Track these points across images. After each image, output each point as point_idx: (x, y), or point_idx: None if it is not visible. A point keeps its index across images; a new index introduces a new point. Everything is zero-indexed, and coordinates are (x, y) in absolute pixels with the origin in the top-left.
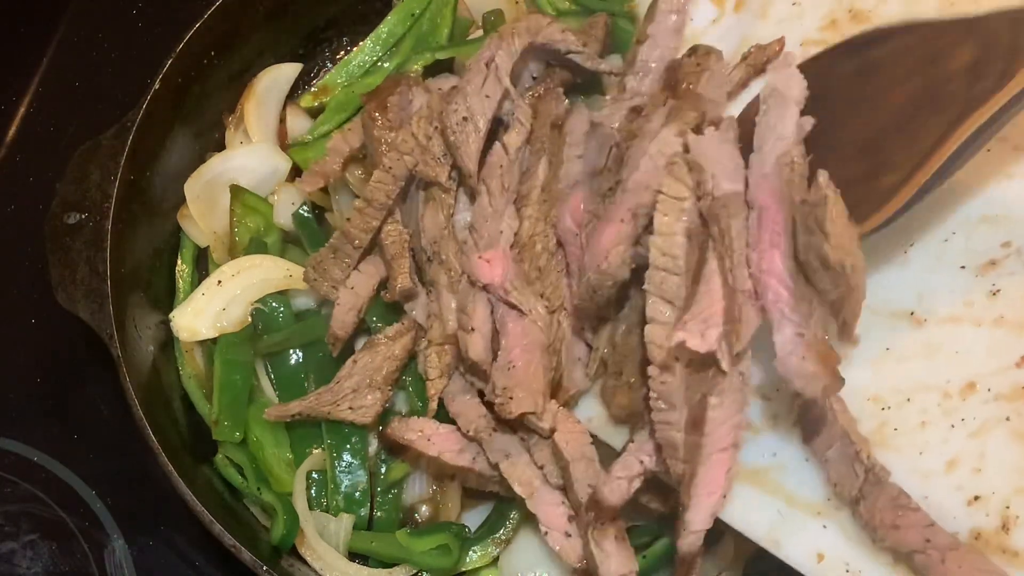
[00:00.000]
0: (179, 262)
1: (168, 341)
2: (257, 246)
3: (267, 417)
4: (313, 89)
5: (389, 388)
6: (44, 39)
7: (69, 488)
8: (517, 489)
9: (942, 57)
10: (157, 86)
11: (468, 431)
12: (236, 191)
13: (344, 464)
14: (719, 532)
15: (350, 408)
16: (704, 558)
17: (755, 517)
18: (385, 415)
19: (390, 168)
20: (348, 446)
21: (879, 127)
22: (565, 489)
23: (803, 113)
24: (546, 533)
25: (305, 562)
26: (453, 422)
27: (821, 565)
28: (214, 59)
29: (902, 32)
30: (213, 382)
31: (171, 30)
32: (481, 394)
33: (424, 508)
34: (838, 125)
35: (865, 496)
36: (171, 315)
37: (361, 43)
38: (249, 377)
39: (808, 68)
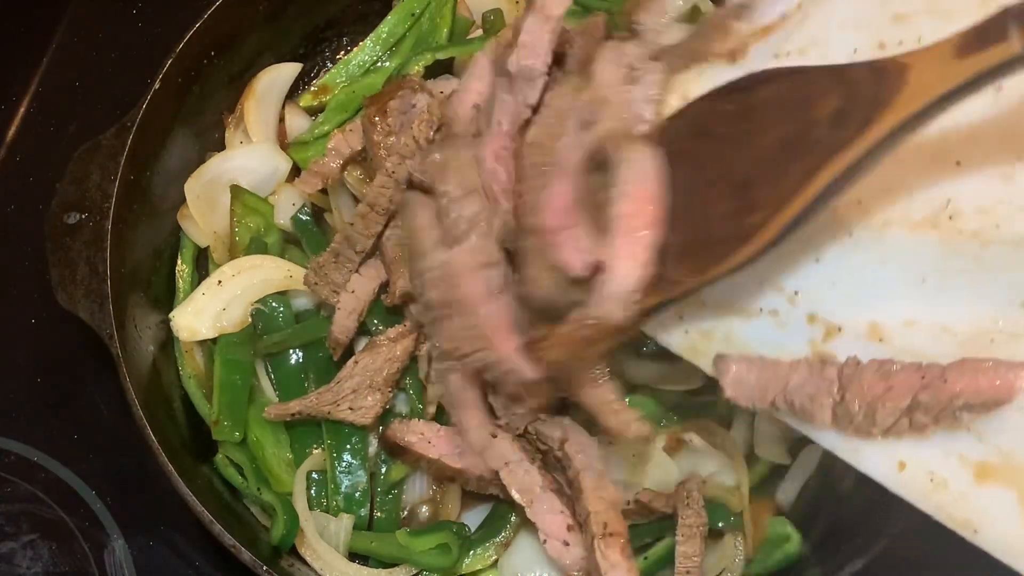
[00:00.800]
0: (179, 262)
1: (168, 341)
2: (258, 246)
3: (267, 416)
4: (313, 88)
5: (389, 390)
6: (44, 39)
7: (69, 488)
8: (516, 497)
9: (810, 104)
10: (157, 86)
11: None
12: (236, 191)
13: (344, 464)
14: (719, 532)
15: (350, 408)
16: (704, 557)
17: None
18: (385, 416)
19: (392, 172)
20: (348, 446)
21: (750, 167)
22: (571, 497)
23: (687, 149)
24: (545, 541)
25: (305, 562)
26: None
27: (903, 475)
28: (214, 59)
29: (778, 77)
30: (213, 382)
31: (171, 30)
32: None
33: (424, 509)
34: (715, 162)
35: (847, 388)
36: (171, 315)
37: (361, 42)
38: (249, 377)
39: (694, 107)
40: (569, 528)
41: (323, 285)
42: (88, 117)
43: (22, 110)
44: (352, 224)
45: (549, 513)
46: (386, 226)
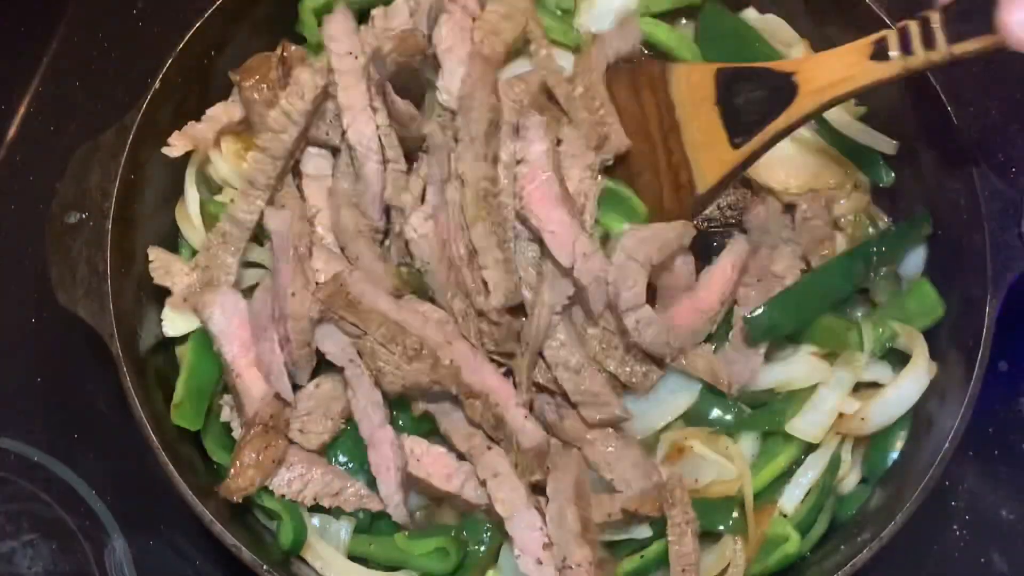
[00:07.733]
0: None
1: (168, 341)
2: None
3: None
4: None
5: (342, 422)
6: (44, 39)
7: (69, 488)
8: (498, 507)
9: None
10: (157, 86)
11: (460, 449)
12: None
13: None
14: (719, 533)
15: (300, 430)
16: (704, 558)
17: None
18: None
19: (266, 148)
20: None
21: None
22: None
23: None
24: (518, 556)
25: (306, 562)
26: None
27: None
28: (214, 59)
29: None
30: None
31: (171, 30)
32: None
33: (418, 515)
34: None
35: None
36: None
37: None
38: (218, 371)
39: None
40: (545, 546)
41: (214, 267)
42: (88, 117)
43: (22, 110)
44: (233, 201)
45: (527, 529)
46: (268, 202)
